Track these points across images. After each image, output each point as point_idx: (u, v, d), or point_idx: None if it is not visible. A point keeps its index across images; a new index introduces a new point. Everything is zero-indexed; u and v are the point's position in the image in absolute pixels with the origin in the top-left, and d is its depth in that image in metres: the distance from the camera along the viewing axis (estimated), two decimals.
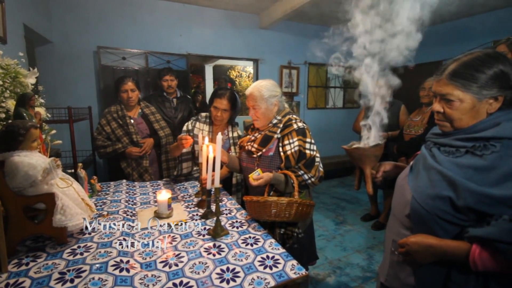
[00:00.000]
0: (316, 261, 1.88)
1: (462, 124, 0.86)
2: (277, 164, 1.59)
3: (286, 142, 1.57)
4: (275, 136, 1.60)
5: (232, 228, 1.36)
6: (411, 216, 0.89)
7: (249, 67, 7.84)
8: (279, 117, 1.65)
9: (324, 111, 5.28)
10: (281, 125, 1.61)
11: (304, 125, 1.61)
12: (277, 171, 1.55)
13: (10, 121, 1.26)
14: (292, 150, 1.54)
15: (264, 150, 1.61)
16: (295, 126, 1.59)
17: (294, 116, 1.67)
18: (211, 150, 1.37)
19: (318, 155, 1.58)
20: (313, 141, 1.60)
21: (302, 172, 1.53)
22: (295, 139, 1.56)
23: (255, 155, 1.64)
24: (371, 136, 1.12)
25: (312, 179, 1.54)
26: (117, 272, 0.97)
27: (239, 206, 1.65)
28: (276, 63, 4.66)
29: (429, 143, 0.97)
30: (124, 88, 2.36)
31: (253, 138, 1.69)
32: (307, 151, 1.55)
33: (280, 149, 1.58)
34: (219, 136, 1.32)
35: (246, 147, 1.70)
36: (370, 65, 1.09)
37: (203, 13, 3.95)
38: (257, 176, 1.48)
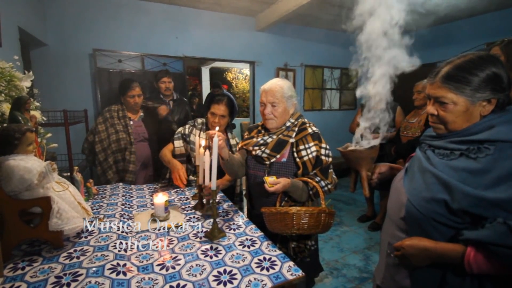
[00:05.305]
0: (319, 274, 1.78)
1: (456, 127, 0.86)
2: (291, 170, 1.47)
3: (301, 147, 1.45)
4: (290, 140, 1.48)
5: (229, 230, 1.36)
6: (407, 219, 0.90)
7: (246, 69, 7.87)
8: (292, 120, 1.55)
9: (320, 112, 5.31)
10: (296, 129, 1.51)
11: (317, 129, 1.52)
12: (293, 178, 1.43)
13: (5, 125, 1.25)
14: (310, 156, 1.43)
15: (278, 156, 1.48)
16: (310, 130, 1.49)
17: (306, 119, 1.58)
18: (210, 151, 1.36)
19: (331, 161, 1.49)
20: (328, 146, 1.49)
21: (318, 178, 1.43)
22: (312, 144, 1.45)
23: (266, 162, 1.50)
24: (367, 138, 1.12)
25: (329, 186, 1.44)
26: (114, 275, 0.97)
27: (236, 208, 1.65)
28: (273, 65, 4.67)
29: (424, 145, 0.98)
30: (131, 93, 2.36)
31: (261, 141, 1.53)
32: (323, 157, 1.45)
33: (295, 154, 1.46)
34: (215, 138, 1.32)
35: (254, 152, 1.54)
36: (368, 67, 1.09)
37: (199, 15, 3.96)
38: (273, 181, 1.32)
